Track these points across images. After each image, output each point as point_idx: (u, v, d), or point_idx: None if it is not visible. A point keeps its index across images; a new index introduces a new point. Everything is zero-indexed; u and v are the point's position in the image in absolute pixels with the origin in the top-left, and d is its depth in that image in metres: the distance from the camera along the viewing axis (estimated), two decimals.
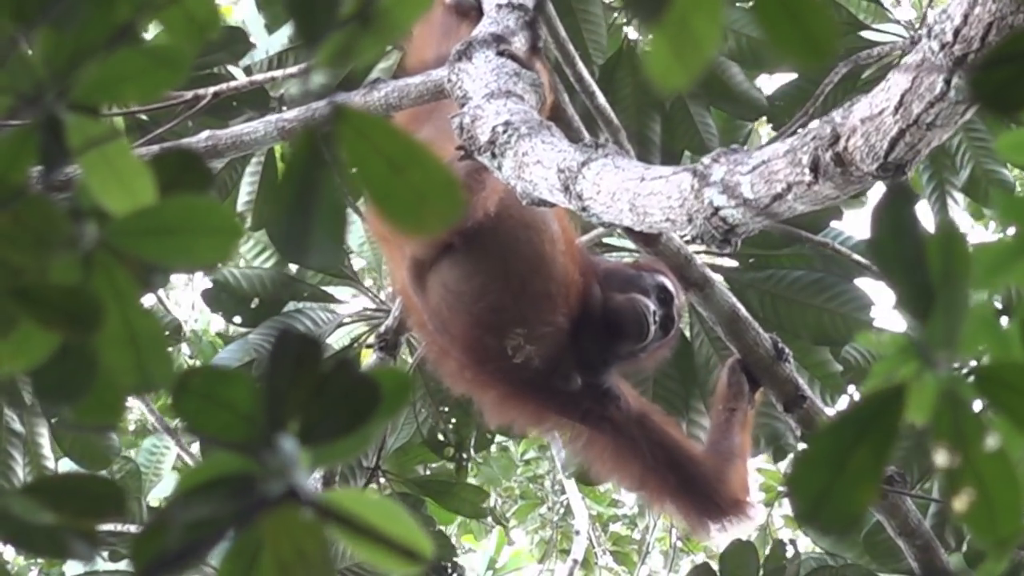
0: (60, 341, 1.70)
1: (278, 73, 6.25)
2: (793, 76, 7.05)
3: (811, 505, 1.71)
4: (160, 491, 8.14)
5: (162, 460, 8.13)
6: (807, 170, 3.21)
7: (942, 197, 7.17)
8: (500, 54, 4.48)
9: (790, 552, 6.42)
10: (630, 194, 3.60)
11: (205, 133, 4.97)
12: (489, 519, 11.02)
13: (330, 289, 7.17)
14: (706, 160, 3.46)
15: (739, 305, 4.94)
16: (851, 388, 7.21)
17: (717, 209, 3.39)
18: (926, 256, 1.65)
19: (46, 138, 1.70)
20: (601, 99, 5.66)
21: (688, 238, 3.49)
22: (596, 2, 6.92)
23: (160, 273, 1.74)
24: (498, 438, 10.96)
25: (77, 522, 1.68)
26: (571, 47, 5.67)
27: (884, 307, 7.07)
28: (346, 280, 7.19)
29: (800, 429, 4.91)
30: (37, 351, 1.69)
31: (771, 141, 7.17)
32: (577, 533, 10.81)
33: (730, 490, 4.88)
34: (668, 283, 4.86)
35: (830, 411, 4.97)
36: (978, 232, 10.45)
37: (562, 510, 11.66)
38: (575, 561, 10.54)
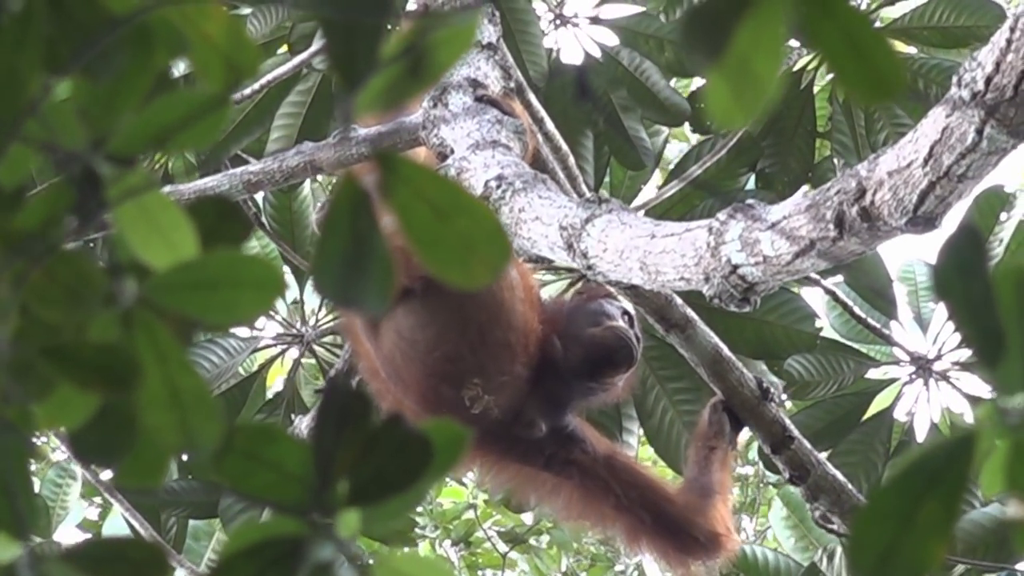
0: (100, 402, 1.70)
1: None
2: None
3: (877, 562, 1.72)
4: (69, 524, 8.01)
5: (68, 492, 7.96)
6: (831, 226, 3.23)
7: None
8: (479, 100, 4.49)
9: None
10: (640, 252, 3.61)
11: (167, 188, 4.98)
12: None
13: None
14: (722, 216, 3.49)
15: (722, 345, 4.93)
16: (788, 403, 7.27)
17: (736, 267, 3.41)
18: (995, 297, 1.67)
19: (83, 192, 1.71)
20: (550, 125, 5.68)
21: (706, 297, 3.51)
22: (535, 23, 6.99)
23: (200, 329, 1.75)
24: None
25: None
26: (518, 73, 5.70)
27: (827, 318, 7.10)
28: None
29: (788, 471, 4.90)
30: (77, 413, 1.69)
31: (697, 145, 7.23)
32: None
33: (708, 525, 4.88)
34: (626, 306, 4.90)
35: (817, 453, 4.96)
36: None
37: (636, 573, 11.61)
38: None
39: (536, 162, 4.79)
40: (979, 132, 3.02)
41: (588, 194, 4.75)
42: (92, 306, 1.71)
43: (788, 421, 4.93)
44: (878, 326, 6.87)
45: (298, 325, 7.40)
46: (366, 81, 1.70)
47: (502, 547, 10.63)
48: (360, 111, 1.72)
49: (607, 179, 7.25)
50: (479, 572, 10.68)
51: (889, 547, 1.71)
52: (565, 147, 5.74)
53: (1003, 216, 6.83)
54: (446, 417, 4.51)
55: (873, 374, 7.07)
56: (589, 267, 3.74)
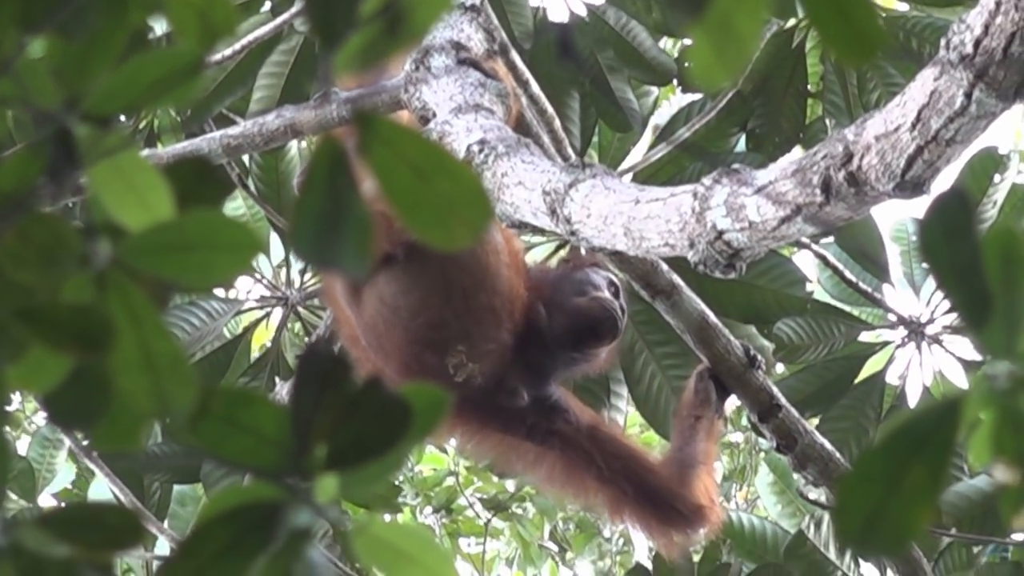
0: (73, 364, 1.68)
1: None
2: None
3: (862, 526, 1.71)
4: (55, 486, 7.98)
5: (55, 454, 7.93)
6: (818, 191, 3.22)
7: None
8: (461, 62, 4.47)
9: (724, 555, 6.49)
10: (624, 218, 3.59)
11: (145, 152, 4.96)
12: (554, 547, 11.01)
13: None
14: (707, 181, 3.47)
15: (708, 312, 4.91)
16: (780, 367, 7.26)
17: (721, 233, 3.40)
18: (983, 261, 1.66)
19: (56, 151, 1.69)
20: (535, 88, 5.64)
21: (691, 263, 3.49)
22: None
23: (176, 291, 1.73)
24: None
25: (93, 554, 1.67)
26: (503, 34, 5.67)
27: (818, 281, 7.09)
28: None
29: (775, 439, 4.89)
30: (50, 375, 1.68)
31: (686, 106, 7.21)
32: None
33: (692, 496, 4.87)
34: (612, 276, 4.89)
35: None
36: None
37: (621, 540, 11.63)
38: None
39: (520, 126, 4.76)
40: (967, 96, 3.01)
41: (573, 158, 4.73)
42: (66, 267, 1.69)
43: (775, 389, 4.91)
44: (869, 289, 6.85)
45: (283, 287, 7.37)
46: (344, 40, 1.69)
47: (484, 514, 10.65)
48: (339, 70, 1.70)
49: (595, 141, 7.23)
50: (461, 539, 10.70)
51: (874, 512, 1.70)
52: (551, 110, 5.71)
53: (996, 178, 6.82)
54: (428, 384, 4.53)
55: (866, 337, 7.06)
56: (572, 233, 3.72)
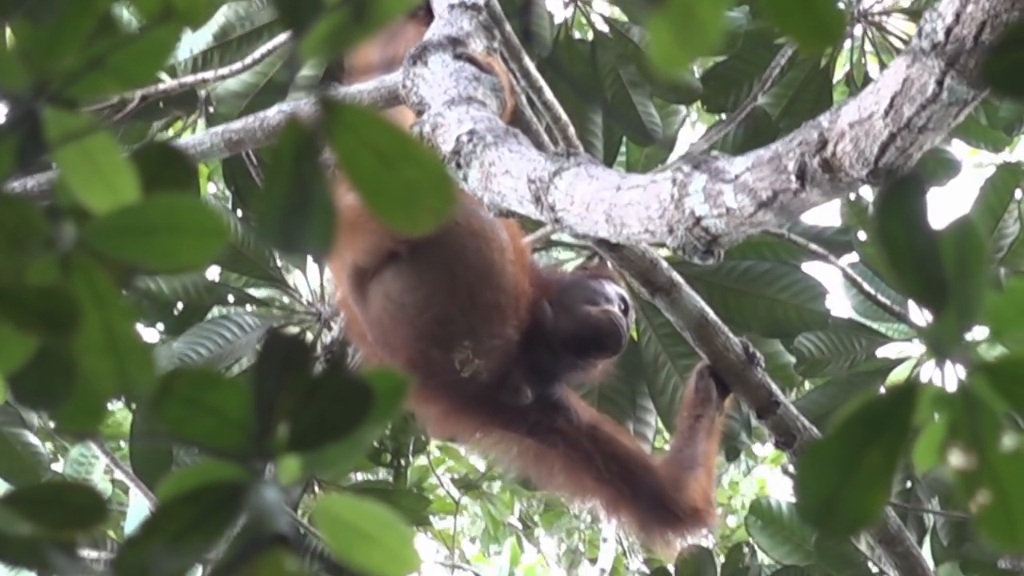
0: (38, 345, 1.71)
1: (209, 74, 6.26)
2: (722, 58, 7.16)
3: (820, 507, 1.74)
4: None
5: (91, 470, 7.97)
6: (793, 177, 3.24)
7: None
8: (457, 57, 4.50)
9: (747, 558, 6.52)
10: (606, 204, 3.62)
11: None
12: (519, 525, 11.01)
13: (255, 292, 7.14)
14: (686, 168, 3.50)
15: (707, 309, 4.94)
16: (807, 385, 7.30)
17: (699, 219, 3.42)
18: (939, 248, 1.68)
19: (24, 134, 1.71)
20: (549, 94, 5.69)
21: (669, 249, 3.52)
22: (542, 1, 6.99)
23: (141, 275, 1.75)
24: None
25: (57, 533, 1.69)
26: (516, 40, 5.70)
27: (837, 295, 7.13)
28: (272, 282, 7.15)
29: (774, 436, 4.92)
30: (15, 356, 1.70)
31: (713, 126, 7.27)
32: (604, 540, 10.80)
33: (688, 499, 4.90)
34: (624, 292, 4.91)
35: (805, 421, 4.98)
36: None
37: (589, 517, 11.67)
38: (602, 570, 10.53)
39: (518, 123, 4.79)
40: (939, 83, 3.04)
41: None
42: (32, 249, 1.71)
43: (774, 386, 4.94)
44: (889, 303, 6.85)
45: (316, 303, 7.38)
46: (310, 27, 1.71)
47: (455, 493, 10.68)
48: (304, 57, 1.73)
49: (624, 157, 7.26)
50: (432, 518, 10.73)
51: (832, 494, 1.73)
52: (564, 117, 5.75)
53: (1018, 193, 6.83)
54: (435, 380, 4.57)
55: (890, 352, 7.08)
56: (557, 220, 3.75)
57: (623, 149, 7.30)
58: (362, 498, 1.70)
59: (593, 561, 11.67)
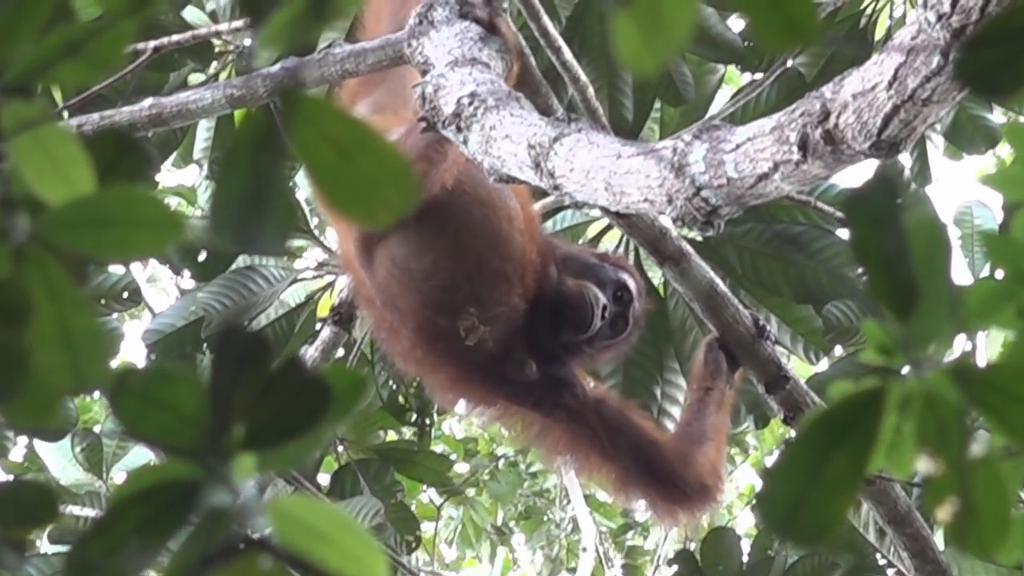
0: None
1: (223, 27, 6.24)
2: None
3: (784, 515, 1.75)
4: (128, 463, 7.91)
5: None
6: (795, 148, 3.24)
7: (922, 142, 7.22)
8: (463, 17, 4.48)
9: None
10: (606, 172, 3.62)
11: (148, 101, 4.96)
12: (496, 536, 11.05)
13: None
14: (686, 137, 3.49)
15: (717, 280, 4.92)
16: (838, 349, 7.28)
17: (699, 189, 3.41)
18: (910, 250, 1.68)
19: None
20: (568, 55, 5.65)
21: (668, 220, 3.51)
22: None
23: (94, 266, 1.77)
24: (508, 453, 11.05)
25: (7, 531, 1.71)
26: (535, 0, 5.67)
27: None
28: (301, 232, 7.13)
29: (783, 411, 4.90)
30: None
31: (741, 89, 7.23)
32: (584, 550, 10.83)
33: (696, 474, 4.88)
34: (631, 283, 4.87)
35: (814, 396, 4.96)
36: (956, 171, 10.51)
37: (569, 526, 11.71)
38: None
39: (526, 85, 4.77)
40: (944, 55, 3.02)
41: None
42: None
43: (783, 360, 4.92)
44: None
45: None
46: (270, 15, 1.71)
47: (437, 499, 10.70)
48: (263, 45, 1.73)
49: (658, 115, 7.20)
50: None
51: (797, 501, 1.74)
52: (584, 78, 5.70)
53: None
54: (441, 347, 4.59)
55: None
56: (556, 187, 3.74)
57: (657, 106, 7.24)
58: (318, 499, 1.71)
59: (572, 571, 11.73)
